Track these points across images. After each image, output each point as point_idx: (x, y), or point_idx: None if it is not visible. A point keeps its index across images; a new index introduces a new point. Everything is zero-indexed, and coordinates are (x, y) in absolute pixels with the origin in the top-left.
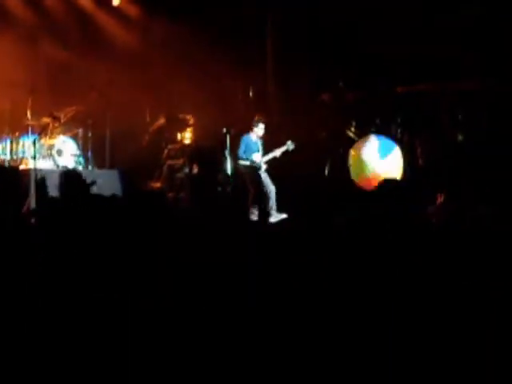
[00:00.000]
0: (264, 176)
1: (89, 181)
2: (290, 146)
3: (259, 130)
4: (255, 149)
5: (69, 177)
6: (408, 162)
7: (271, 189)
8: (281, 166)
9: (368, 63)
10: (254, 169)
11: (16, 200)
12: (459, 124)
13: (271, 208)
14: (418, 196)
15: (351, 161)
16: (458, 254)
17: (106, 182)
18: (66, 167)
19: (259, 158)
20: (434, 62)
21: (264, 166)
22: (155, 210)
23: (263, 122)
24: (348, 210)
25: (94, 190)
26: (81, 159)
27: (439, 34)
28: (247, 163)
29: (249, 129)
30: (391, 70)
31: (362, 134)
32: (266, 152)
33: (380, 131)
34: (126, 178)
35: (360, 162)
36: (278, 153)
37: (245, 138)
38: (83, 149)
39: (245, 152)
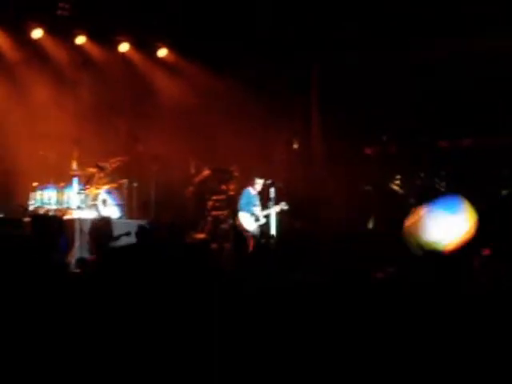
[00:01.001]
0: (257, 229)
1: (121, 231)
2: (283, 206)
3: (257, 185)
4: (255, 202)
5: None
6: None
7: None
8: (323, 217)
9: (411, 117)
10: (252, 220)
11: (58, 249)
12: (503, 178)
13: None
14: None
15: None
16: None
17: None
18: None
19: (258, 211)
20: (476, 117)
21: (263, 220)
22: (198, 261)
23: (261, 179)
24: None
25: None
26: (102, 208)
27: (481, 89)
28: (247, 216)
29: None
30: (434, 124)
31: (406, 187)
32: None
33: (424, 184)
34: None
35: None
36: (273, 210)
37: (246, 191)
38: (127, 199)
39: (246, 205)
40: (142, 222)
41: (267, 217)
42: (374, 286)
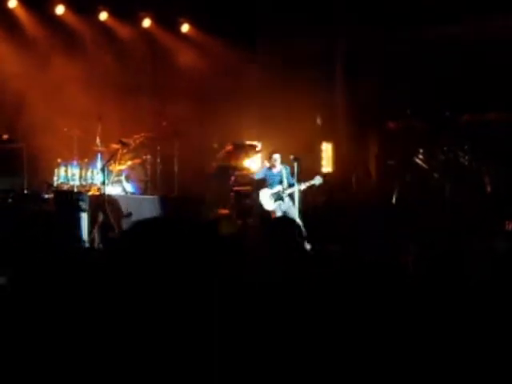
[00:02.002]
0: (286, 207)
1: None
2: (317, 180)
3: (274, 161)
4: (275, 181)
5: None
6: (476, 189)
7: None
8: (347, 192)
9: (435, 91)
10: (272, 200)
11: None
12: None
13: None
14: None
15: None
16: None
17: (146, 209)
18: (133, 193)
19: (280, 190)
20: (500, 90)
21: (286, 199)
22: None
23: (275, 153)
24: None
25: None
26: (126, 184)
27: (505, 62)
28: (265, 195)
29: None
30: (459, 97)
31: (430, 161)
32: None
33: (447, 158)
34: (167, 204)
35: None
36: (302, 187)
37: (265, 169)
38: (151, 175)
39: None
40: (154, 197)
41: (291, 195)
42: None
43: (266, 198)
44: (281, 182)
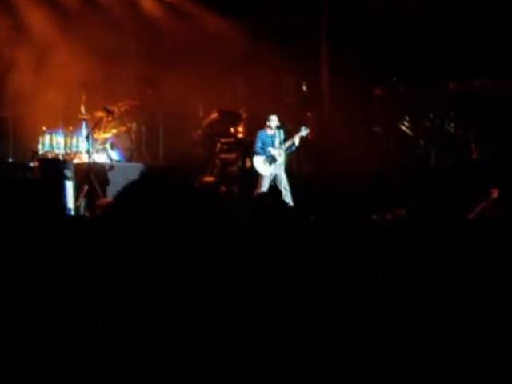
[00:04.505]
0: (279, 172)
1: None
2: (303, 131)
3: (271, 122)
4: (271, 143)
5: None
6: (462, 156)
7: (284, 186)
8: (333, 159)
9: (421, 58)
10: (267, 164)
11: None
12: None
13: None
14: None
15: None
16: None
17: (131, 177)
18: (119, 161)
19: (275, 152)
20: (486, 57)
21: (280, 159)
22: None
23: (274, 114)
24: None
25: None
26: (111, 152)
27: (492, 29)
28: (261, 159)
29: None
30: (445, 64)
31: (416, 128)
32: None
33: (433, 125)
34: (152, 172)
35: None
36: (296, 139)
37: (260, 133)
38: (136, 143)
39: (261, 147)
40: (139, 165)
41: (287, 149)
42: (384, 228)
43: (260, 165)
44: (272, 146)
